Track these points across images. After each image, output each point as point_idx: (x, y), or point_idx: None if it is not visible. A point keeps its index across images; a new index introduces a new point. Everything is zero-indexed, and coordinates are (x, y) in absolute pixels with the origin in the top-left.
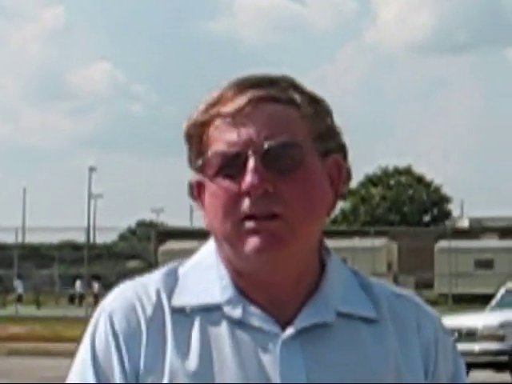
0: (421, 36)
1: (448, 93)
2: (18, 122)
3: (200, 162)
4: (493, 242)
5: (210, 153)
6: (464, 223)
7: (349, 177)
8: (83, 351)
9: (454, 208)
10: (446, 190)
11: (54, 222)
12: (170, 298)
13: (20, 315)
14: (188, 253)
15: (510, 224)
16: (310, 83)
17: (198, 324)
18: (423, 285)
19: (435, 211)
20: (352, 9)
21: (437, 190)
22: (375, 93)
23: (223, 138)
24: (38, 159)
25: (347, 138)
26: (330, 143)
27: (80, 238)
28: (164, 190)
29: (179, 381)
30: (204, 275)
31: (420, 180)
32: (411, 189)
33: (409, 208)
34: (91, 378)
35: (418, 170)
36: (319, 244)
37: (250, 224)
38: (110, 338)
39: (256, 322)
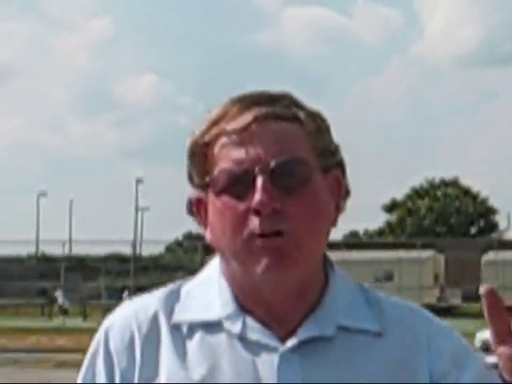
0: (467, 49)
1: (494, 105)
2: (64, 133)
3: (207, 179)
4: None
5: (217, 171)
6: (511, 235)
7: (347, 193)
8: (83, 364)
9: (500, 220)
10: (493, 202)
11: (101, 234)
12: (170, 315)
13: (66, 327)
14: None
15: None
16: (357, 96)
17: (197, 339)
18: (470, 297)
19: (482, 223)
20: (399, 22)
21: (483, 201)
22: (421, 105)
23: (230, 156)
24: (85, 171)
25: (394, 151)
26: (331, 159)
27: (126, 250)
28: None
29: None
30: (206, 291)
31: (467, 192)
32: (458, 201)
33: (455, 220)
34: None
35: (465, 182)
36: (323, 258)
37: (258, 242)
38: (103, 354)
39: (255, 336)
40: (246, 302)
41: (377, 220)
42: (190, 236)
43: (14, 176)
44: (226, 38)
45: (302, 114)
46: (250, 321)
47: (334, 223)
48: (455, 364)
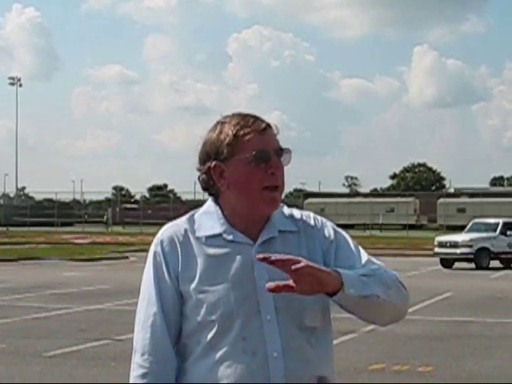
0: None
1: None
2: None
3: (253, 153)
4: (465, 200)
5: (251, 150)
6: (451, 190)
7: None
8: (148, 262)
9: (447, 182)
10: (443, 174)
11: None
12: (193, 231)
13: None
14: None
15: (475, 190)
16: None
17: (210, 245)
18: (431, 221)
19: (437, 184)
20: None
21: (438, 174)
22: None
23: (257, 144)
24: None
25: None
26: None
27: None
28: None
29: (204, 276)
30: (209, 217)
31: (430, 169)
32: (426, 174)
33: (425, 183)
34: (152, 276)
35: (430, 164)
36: None
37: (266, 192)
38: (161, 254)
39: (240, 239)
40: (234, 221)
41: (387, 182)
42: None
43: None
44: None
45: (274, 127)
46: (236, 232)
47: None
48: (329, 237)
